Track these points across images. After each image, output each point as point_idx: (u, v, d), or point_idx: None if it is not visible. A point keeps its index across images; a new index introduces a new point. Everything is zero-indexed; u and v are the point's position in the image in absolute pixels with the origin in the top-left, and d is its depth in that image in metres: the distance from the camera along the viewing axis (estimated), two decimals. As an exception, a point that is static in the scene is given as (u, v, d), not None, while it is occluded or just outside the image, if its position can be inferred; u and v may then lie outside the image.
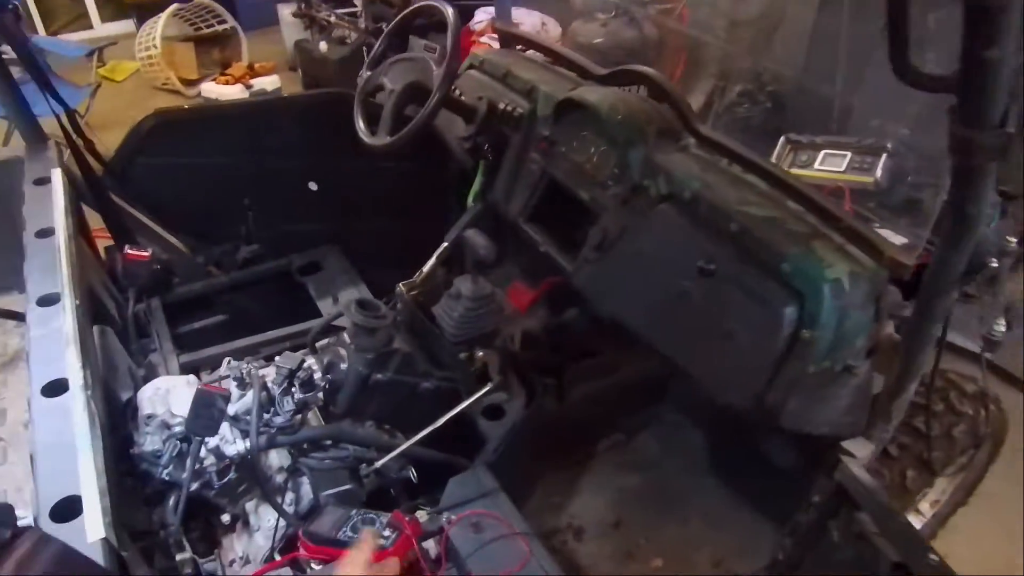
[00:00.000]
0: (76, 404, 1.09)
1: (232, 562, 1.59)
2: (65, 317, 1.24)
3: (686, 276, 1.52)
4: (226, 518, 1.61)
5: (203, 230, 2.24)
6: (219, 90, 4.51)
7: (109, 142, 2.11)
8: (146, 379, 1.76)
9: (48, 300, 1.27)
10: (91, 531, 0.93)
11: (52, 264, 1.35)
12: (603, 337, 2.14)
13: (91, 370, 1.21)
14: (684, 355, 1.55)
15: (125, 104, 5.23)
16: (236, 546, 1.61)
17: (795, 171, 2.34)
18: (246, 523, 1.61)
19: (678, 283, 1.53)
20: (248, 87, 4.56)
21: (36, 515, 0.95)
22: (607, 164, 1.74)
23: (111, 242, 2.05)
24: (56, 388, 1.11)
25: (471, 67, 2.23)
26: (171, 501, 1.47)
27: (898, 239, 1.58)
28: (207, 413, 1.30)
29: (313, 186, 2.31)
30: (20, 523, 1.21)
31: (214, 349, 1.98)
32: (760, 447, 1.95)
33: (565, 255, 1.87)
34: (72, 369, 1.14)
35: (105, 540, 0.92)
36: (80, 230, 1.92)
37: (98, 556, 0.90)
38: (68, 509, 0.96)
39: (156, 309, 2.03)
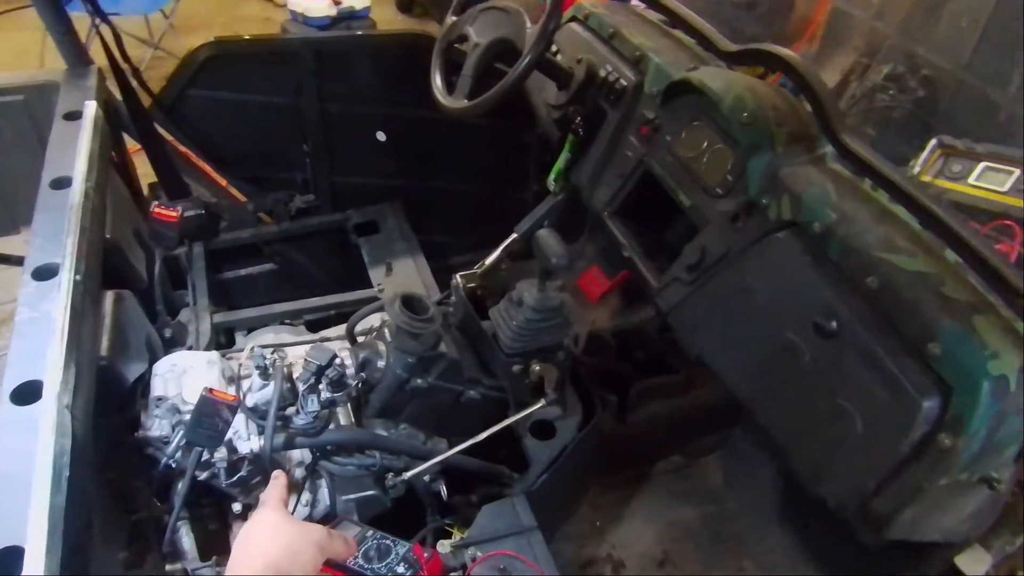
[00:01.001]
0: (46, 419, 0.92)
1: (241, 553, 1.46)
2: (59, 298, 1.06)
3: (797, 329, 1.24)
4: (237, 507, 1.48)
5: (256, 174, 2.05)
6: (306, 4, 4.27)
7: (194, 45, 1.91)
8: (170, 344, 1.62)
9: (45, 273, 1.10)
10: (26, 603, 0.76)
11: (60, 225, 1.18)
12: (679, 349, 1.88)
13: (81, 366, 1.04)
14: (777, 424, 1.28)
15: (214, 8, 5.07)
16: (246, 538, 1.48)
17: (943, 182, 1.96)
18: (258, 516, 1.48)
19: (785, 336, 1.25)
20: (337, 3, 4.30)
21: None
22: (720, 168, 1.44)
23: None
24: (28, 394, 0.95)
25: (574, 19, 1.91)
26: (176, 490, 1.33)
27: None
28: (210, 423, 1.13)
29: (381, 136, 2.08)
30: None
31: (250, 312, 1.82)
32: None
33: (651, 265, 1.60)
34: (52, 369, 0.97)
35: (40, 617, 0.76)
36: (120, 166, 1.76)
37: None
38: (7, 564, 0.79)
39: (197, 257, 1.88)
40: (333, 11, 4.25)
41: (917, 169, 1.98)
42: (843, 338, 1.17)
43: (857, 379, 1.15)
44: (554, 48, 1.90)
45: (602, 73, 1.71)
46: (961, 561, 1.31)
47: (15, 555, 0.80)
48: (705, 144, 1.48)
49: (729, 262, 1.38)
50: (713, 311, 1.41)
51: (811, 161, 1.36)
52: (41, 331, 1.03)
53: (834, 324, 1.18)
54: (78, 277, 1.12)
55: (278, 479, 1.15)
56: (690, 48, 1.69)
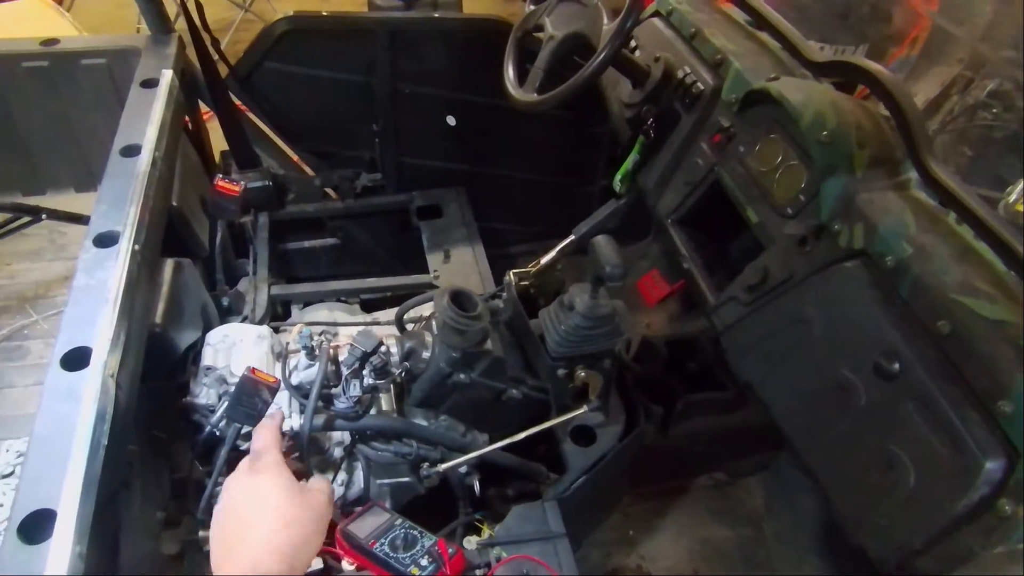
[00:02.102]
0: (90, 386, 0.95)
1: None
2: (116, 267, 1.10)
3: (855, 368, 1.17)
4: (277, 478, 1.52)
5: (325, 150, 2.07)
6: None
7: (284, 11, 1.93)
8: (227, 312, 1.66)
9: (106, 240, 1.13)
10: (54, 562, 0.80)
11: (125, 193, 1.21)
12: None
13: (132, 335, 1.07)
14: (822, 464, 1.22)
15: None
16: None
17: (1042, 217, 1.82)
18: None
19: (841, 373, 1.18)
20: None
21: (8, 528, 0.83)
22: (793, 186, 1.36)
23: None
24: (76, 360, 0.98)
25: (657, 15, 1.84)
26: (218, 456, 1.37)
27: None
28: (249, 402, 1.15)
29: (451, 120, 2.06)
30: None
31: (307, 287, 1.84)
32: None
33: (711, 280, 1.54)
34: (101, 338, 1.01)
35: (68, 579, 0.79)
36: (193, 133, 1.80)
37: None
38: (39, 527, 0.83)
39: (262, 227, 1.92)
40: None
41: (1013, 198, 1.84)
42: (904, 382, 1.10)
43: (915, 428, 1.08)
44: (633, 44, 1.84)
45: (680, 74, 1.64)
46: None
47: (48, 517, 0.83)
48: (779, 159, 1.40)
49: (791, 287, 1.32)
50: (768, 337, 1.35)
51: (892, 187, 1.27)
52: (95, 299, 1.07)
53: (896, 366, 1.11)
54: (137, 247, 1.16)
55: (272, 420, 1.14)
56: (775, 54, 1.61)
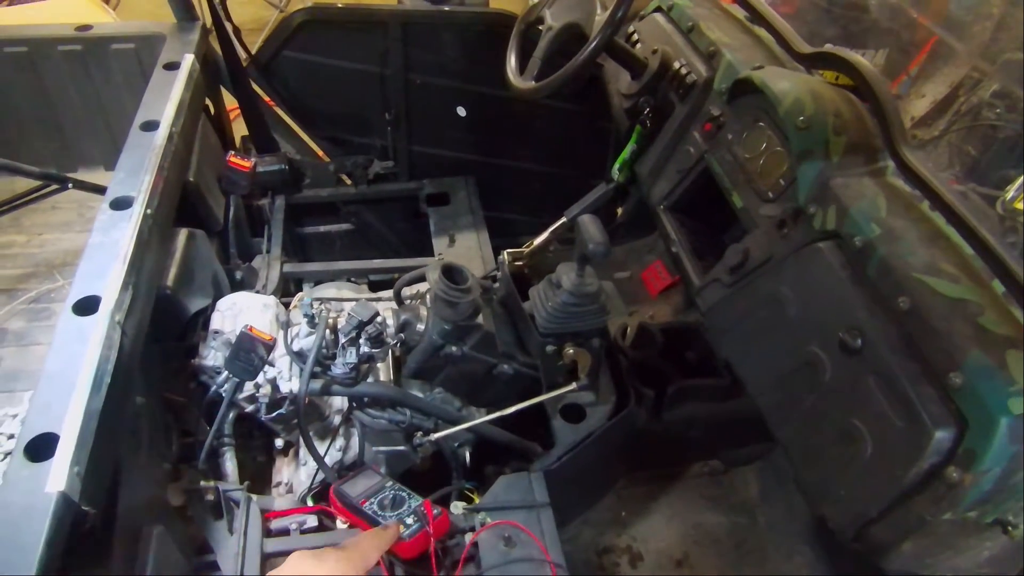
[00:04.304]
0: (97, 330, 1.04)
1: (278, 484, 1.59)
2: (128, 227, 1.20)
3: (823, 344, 1.21)
4: (279, 443, 1.61)
5: (340, 136, 2.17)
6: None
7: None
8: (239, 285, 1.76)
9: (121, 204, 1.23)
10: (53, 480, 0.89)
11: (142, 163, 1.31)
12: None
13: (140, 289, 1.17)
14: (788, 437, 1.26)
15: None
16: (284, 471, 1.61)
17: (1040, 214, 1.83)
18: (297, 453, 1.60)
19: (810, 348, 1.23)
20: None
21: (14, 448, 0.92)
22: (774, 171, 1.41)
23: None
24: (87, 307, 1.07)
25: (659, 10, 1.90)
26: (219, 416, 1.46)
27: None
28: (246, 357, 1.24)
29: (461, 111, 2.14)
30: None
31: (318, 265, 1.93)
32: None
33: (698, 264, 1.59)
34: (110, 289, 1.10)
35: (62, 494, 0.88)
36: (215, 118, 1.91)
37: (49, 510, 0.86)
38: (44, 447, 0.92)
39: (279, 209, 2.02)
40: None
41: (1011, 195, 1.85)
42: (866, 357, 1.14)
43: (873, 401, 1.11)
44: (635, 37, 1.90)
45: (675, 65, 1.70)
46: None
47: (51, 440, 0.92)
48: (764, 146, 1.45)
49: (769, 268, 1.36)
50: (746, 316, 1.39)
51: (868, 173, 1.31)
52: (107, 255, 1.16)
53: (859, 342, 1.14)
54: (149, 211, 1.25)
55: (386, 534, 1.11)
56: (768, 47, 1.65)
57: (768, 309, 1.34)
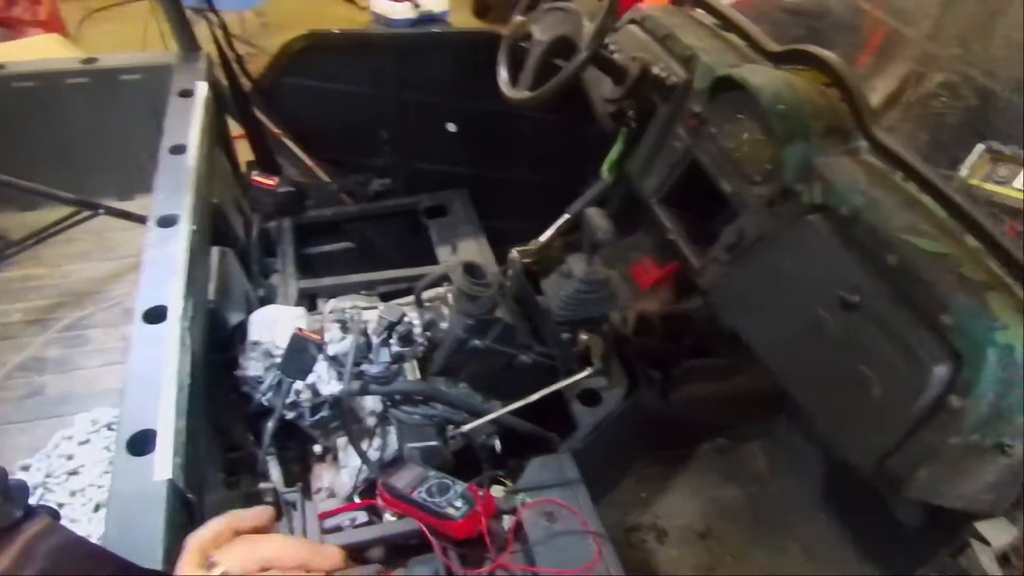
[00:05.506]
0: (173, 335, 1.12)
1: (319, 490, 1.65)
2: (179, 242, 1.27)
3: (824, 304, 1.34)
4: (318, 449, 1.67)
5: (340, 157, 2.26)
6: (388, 6, 4.51)
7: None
8: (264, 301, 1.83)
9: (167, 221, 1.31)
10: (159, 469, 0.96)
11: (178, 184, 1.39)
12: (724, 337, 1.98)
13: (196, 299, 1.24)
14: (804, 392, 1.39)
15: (302, 8, 5.39)
16: (324, 477, 1.67)
17: (989, 186, 2.02)
18: (335, 458, 1.66)
19: (813, 310, 1.36)
20: (416, 5, 4.53)
21: (117, 445, 0.99)
22: (759, 157, 1.55)
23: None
24: (156, 315, 1.15)
25: (632, 22, 2.05)
26: (267, 424, 1.53)
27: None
28: (299, 357, 1.32)
29: (451, 127, 2.26)
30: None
31: (331, 280, 2.01)
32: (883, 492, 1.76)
33: (694, 247, 1.72)
34: (174, 298, 1.18)
35: (171, 481, 0.95)
36: (222, 142, 1.99)
37: (162, 496, 0.93)
38: (143, 443, 0.99)
39: (286, 230, 2.09)
40: (413, 13, 4.47)
41: (964, 172, 2.04)
42: (864, 311, 1.27)
43: (876, 348, 1.24)
44: (613, 48, 2.04)
45: (655, 70, 1.84)
46: (984, 528, 1.36)
47: (149, 436, 1.00)
48: (746, 135, 1.59)
49: (764, 243, 1.50)
50: (748, 288, 1.52)
51: (844, 153, 1.46)
52: (164, 268, 1.24)
53: (856, 298, 1.28)
54: (194, 227, 1.33)
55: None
56: (738, 49, 1.81)
57: (768, 280, 1.48)
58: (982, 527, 1.38)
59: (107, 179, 2.02)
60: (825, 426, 1.35)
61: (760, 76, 1.56)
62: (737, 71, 1.59)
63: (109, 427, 1.47)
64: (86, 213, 1.68)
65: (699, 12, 2.02)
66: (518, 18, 1.92)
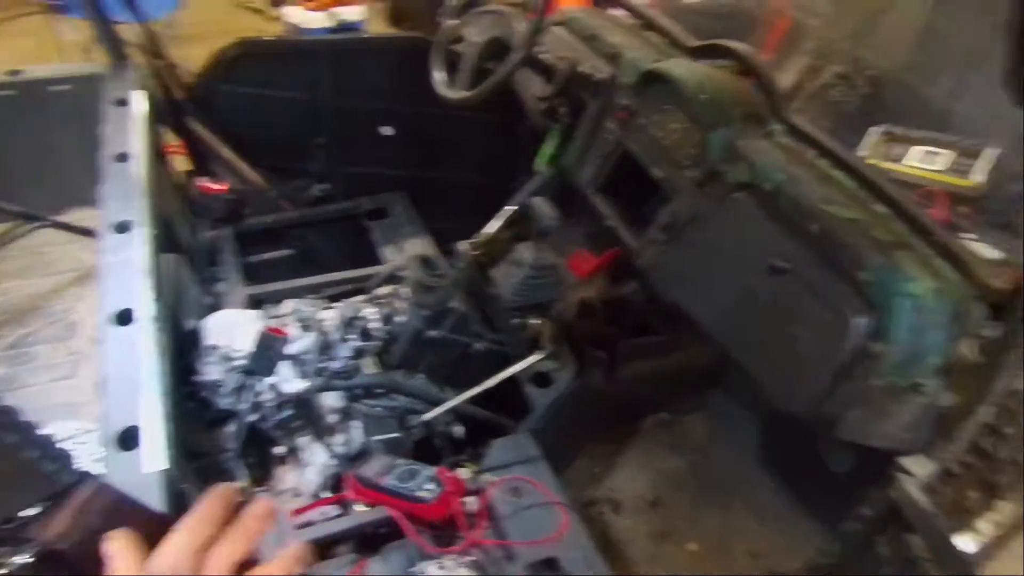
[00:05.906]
0: (143, 335, 1.13)
1: (283, 492, 1.66)
2: (137, 246, 1.28)
3: (756, 272, 1.47)
4: (280, 450, 1.68)
5: (278, 164, 2.27)
6: (302, 16, 4.45)
7: (195, 56, 2.13)
8: (213, 308, 1.83)
9: (123, 227, 1.31)
10: (149, 462, 0.97)
11: (128, 190, 1.39)
12: (661, 316, 2.10)
13: (161, 301, 1.25)
14: (744, 353, 1.51)
15: (211, 20, 5.27)
16: (287, 479, 1.68)
17: (885, 165, 2.23)
18: (298, 458, 1.68)
19: (747, 278, 1.48)
20: (332, 15, 4.49)
21: (105, 443, 1.00)
22: (686, 144, 1.67)
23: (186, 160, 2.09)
24: (125, 317, 1.15)
25: (558, 24, 2.16)
26: (231, 428, 1.53)
27: (995, 253, 1.49)
28: (267, 354, 1.34)
29: (387, 131, 2.31)
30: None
31: (279, 284, 2.02)
32: (815, 447, 1.91)
33: (631, 231, 1.83)
34: (142, 300, 1.18)
35: (165, 471, 0.97)
36: (158, 153, 1.97)
37: (156, 486, 0.95)
38: (130, 439, 1.00)
39: (228, 239, 2.08)
40: (329, 23, 4.44)
41: (863, 152, 2.25)
42: (792, 275, 1.40)
43: (806, 307, 1.37)
44: (542, 49, 2.14)
45: (582, 68, 1.94)
46: (907, 464, 1.51)
47: (134, 431, 1.01)
48: (673, 125, 1.71)
49: (697, 222, 1.62)
50: (685, 264, 1.64)
51: (763, 136, 1.60)
52: (126, 272, 1.24)
53: (785, 264, 1.41)
54: (155, 231, 1.33)
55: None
56: (658, 46, 1.94)
57: (703, 254, 1.60)
58: (906, 463, 1.53)
59: (39, 193, 1.96)
60: (764, 381, 1.47)
61: (683, 69, 1.69)
62: (662, 65, 1.71)
63: (72, 440, 1.44)
64: (25, 228, 1.64)
65: (620, 13, 2.15)
66: (449, 21, 2.00)
